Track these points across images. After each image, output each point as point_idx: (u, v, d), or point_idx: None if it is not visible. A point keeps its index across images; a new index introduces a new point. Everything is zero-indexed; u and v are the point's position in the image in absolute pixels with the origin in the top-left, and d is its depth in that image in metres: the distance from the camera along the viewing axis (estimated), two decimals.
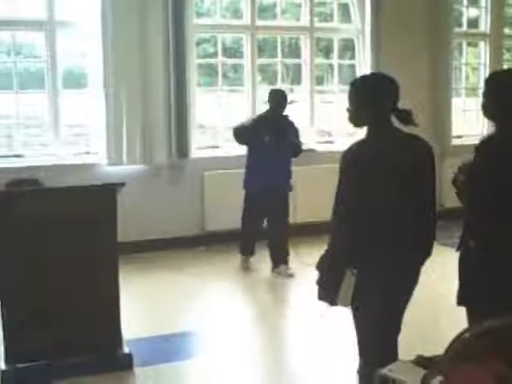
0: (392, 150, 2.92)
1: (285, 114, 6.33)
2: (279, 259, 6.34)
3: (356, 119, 3.02)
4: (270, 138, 6.09)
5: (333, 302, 2.98)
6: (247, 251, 6.49)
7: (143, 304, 5.50)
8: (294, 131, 6.35)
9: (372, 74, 3.08)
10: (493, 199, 3.00)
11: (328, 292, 2.95)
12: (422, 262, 3.06)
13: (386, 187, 2.89)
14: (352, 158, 2.93)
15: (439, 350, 2.14)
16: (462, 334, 2.12)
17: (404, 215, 2.92)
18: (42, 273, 3.85)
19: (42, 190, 4.14)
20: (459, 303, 3.13)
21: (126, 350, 4.17)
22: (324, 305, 3.08)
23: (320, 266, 2.99)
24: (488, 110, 3.09)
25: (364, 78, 3.15)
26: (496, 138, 3.08)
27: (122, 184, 4.06)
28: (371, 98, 2.97)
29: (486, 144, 3.10)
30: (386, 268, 2.90)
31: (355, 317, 3.06)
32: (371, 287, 2.91)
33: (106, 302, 4.06)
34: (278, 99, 6.20)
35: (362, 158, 2.92)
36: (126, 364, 4.09)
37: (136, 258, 6.48)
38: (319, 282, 2.99)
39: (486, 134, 3.21)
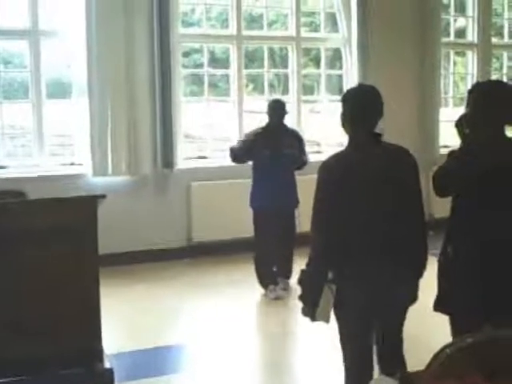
0: (369, 161, 2.89)
1: (289, 126, 6.20)
2: (280, 273, 6.02)
3: (343, 125, 3.04)
4: (270, 152, 5.80)
5: (313, 317, 2.92)
6: (269, 280, 5.95)
7: (126, 317, 5.40)
8: (297, 142, 6.06)
9: (361, 86, 3.07)
10: (466, 205, 3.00)
11: (309, 307, 2.90)
12: (412, 278, 3.00)
13: (359, 199, 2.86)
14: (328, 170, 2.91)
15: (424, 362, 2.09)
16: (442, 349, 2.08)
17: (380, 227, 2.87)
18: (18, 285, 3.77)
19: (20, 202, 4.06)
20: (435, 309, 3.10)
21: (107, 364, 4.07)
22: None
23: (300, 281, 2.93)
24: (466, 119, 3.07)
25: (353, 89, 3.18)
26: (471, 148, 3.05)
27: (103, 196, 3.98)
28: (354, 109, 2.98)
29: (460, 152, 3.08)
30: (359, 280, 2.85)
31: (340, 328, 3.02)
32: (346, 300, 2.86)
33: (86, 315, 3.97)
34: (278, 110, 5.94)
35: (337, 170, 2.91)
36: (106, 379, 3.98)
37: (121, 270, 6.40)
38: (300, 298, 2.94)
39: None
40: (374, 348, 3.09)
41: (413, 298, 3.01)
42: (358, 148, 2.95)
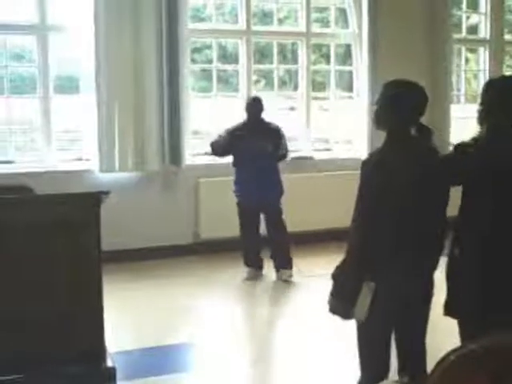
0: (404, 161, 2.84)
1: (265, 120, 6.28)
2: (280, 263, 6.25)
3: (378, 122, 3.00)
4: (250, 146, 6.07)
5: (347, 315, 2.86)
6: (251, 263, 6.34)
7: (132, 315, 5.35)
8: (274, 137, 6.25)
9: (405, 81, 2.99)
10: (475, 205, 2.93)
11: (343, 304, 2.83)
12: (431, 275, 2.95)
13: (395, 197, 2.79)
14: (366, 169, 2.86)
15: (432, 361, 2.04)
16: (447, 355, 2.02)
17: (412, 225, 2.82)
18: (20, 281, 3.73)
19: (23, 198, 4.02)
20: (445, 313, 3.04)
21: (109, 362, 4.03)
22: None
23: (336, 277, 2.87)
24: (481, 116, 3.01)
25: (397, 82, 3.07)
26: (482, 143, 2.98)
27: (107, 192, 3.93)
28: (400, 105, 2.91)
29: (470, 147, 3.01)
30: (387, 278, 2.80)
31: (359, 329, 2.95)
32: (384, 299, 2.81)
33: (89, 313, 3.93)
34: (252, 107, 6.19)
35: (373, 169, 2.88)
36: (108, 377, 3.95)
37: (128, 266, 6.37)
38: (334, 293, 2.87)
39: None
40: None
41: (432, 294, 2.96)
42: (395, 145, 2.88)
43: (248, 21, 7.36)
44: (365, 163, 2.89)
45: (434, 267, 2.93)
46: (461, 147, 3.04)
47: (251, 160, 6.07)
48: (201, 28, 7.45)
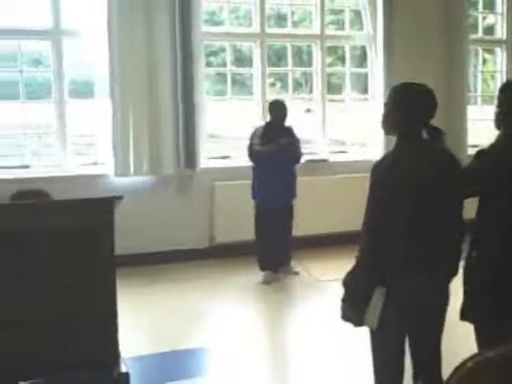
0: (416, 162, 2.80)
1: (287, 125, 6.32)
2: (284, 261, 6.39)
3: (387, 126, 2.94)
4: (276, 148, 6.11)
5: (359, 321, 2.81)
6: (267, 267, 6.36)
7: (147, 319, 5.35)
8: (292, 139, 6.31)
9: (413, 84, 2.95)
10: (497, 210, 2.89)
11: (355, 311, 2.79)
12: (447, 280, 2.90)
13: (408, 200, 2.75)
14: (378, 171, 2.84)
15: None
16: (463, 363, 1.98)
17: (425, 229, 2.78)
18: (33, 286, 3.72)
19: (35, 204, 4.02)
20: (462, 318, 2.99)
21: (123, 368, 4.01)
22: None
23: (347, 283, 2.83)
24: (499, 119, 2.97)
25: (405, 85, 3.03)
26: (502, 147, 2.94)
27: (120, 197, 3.90)
28: (407, 106, 2.86)
29: (491, 153, 2.97)
30: (400, 285, 2.75)
31: (372, 335, 2.90)
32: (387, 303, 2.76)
33: (102, 317, 3.91)
34: (278, 110, 6.24)
35: (386, 170, 2.83)
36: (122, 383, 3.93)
37: (143, 270, 6.38)
38: (345, 300, 2.83)
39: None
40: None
41: (447, 301, 2.91)
42: (406, 147, 2.86)
43: (262, 23, 7.34)
44: (376, 166, 2.84)
45: (450, 272, 2.87)
46: (481, 154, 2.99)
47: (272, 162, 6.10)
48: (215, 31, 7.44)
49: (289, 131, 6.34)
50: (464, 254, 2.95)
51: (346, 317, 2.84)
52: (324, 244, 7.10)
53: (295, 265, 6.51)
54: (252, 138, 6.29)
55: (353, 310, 2.79)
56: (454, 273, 2.88)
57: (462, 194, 2.90)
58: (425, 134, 2.89)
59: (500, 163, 2.91)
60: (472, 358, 2.04)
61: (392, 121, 2.89)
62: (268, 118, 6.48)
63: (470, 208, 3.01)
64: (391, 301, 2.74)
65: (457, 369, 1.99)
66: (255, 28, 7.38)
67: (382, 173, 2.82)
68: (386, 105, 2.92)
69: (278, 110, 6.26)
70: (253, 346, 4.83)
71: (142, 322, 5.22)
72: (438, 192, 2.78)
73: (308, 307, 5.75)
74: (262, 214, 6.28)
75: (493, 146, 3.03)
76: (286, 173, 6.26)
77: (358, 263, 2.79)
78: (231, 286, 6.22)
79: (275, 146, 6.10)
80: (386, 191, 2.78)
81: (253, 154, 6.21)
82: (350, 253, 7.14)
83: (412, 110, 2.85)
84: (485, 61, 8.91)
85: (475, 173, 2.97)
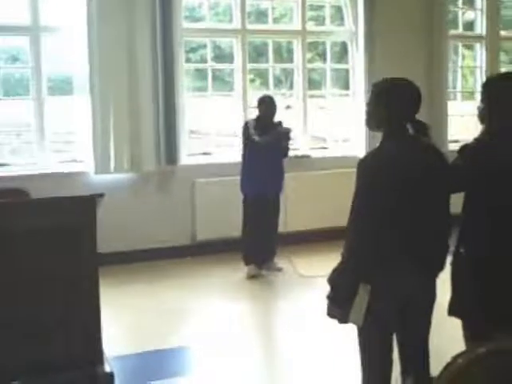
0: (402, 158, 2.79)
1: (277, 121, 6.30)
2: (268, 257, 6.39)
3: (372, 123, 2.92)
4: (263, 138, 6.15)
5: (344, 319, 2.79)
6: (251, 260, 6.36)
7: (128, 318, 5.29)
8: (283, 134, 6.32)
9: (395, 78, 2.93)
10: (482, 205, 2.89)
11: (340, 308, 2.77)
12: (433, 276, 2.90)
13: (394, 195, 2.74)
14: (364, 167, 2.81)
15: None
16: (454, 359, 1.97)
17: (412, 224, 2.77)
18: (15, 286, 3.66)
19: (16, 203, 3.96)
20: (450, 313, 2.99)
21: (107, 368, 3.96)
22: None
23: (332, 280, 2.81)
24: (482, 114, 2.97)
25: (387, 81, 2.99)
26: (491, 141, 2.94)
27: (101, 195, 3.87)
28: (390, 101, 2.84)
29: (475, 148, 2.97)
30: (386, 281, 2.74)
31: (359, 332, 2.89)
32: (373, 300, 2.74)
33: (86, 316, 3.86)
34: (267, 106, 6.23)
35: (372, 166, 2.81)
36: (106, 383, 3.89)
37: (124, 268, 6.32)
38: (330, 297, 2.81)
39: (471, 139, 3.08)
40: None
41: (434, 296, 2.90)
42: (392, 143, 2.85)
43: (243, 19, 7.30)
44: (362, 162, 2.82)
45: (437, 267, 2.87)
46: (465, 150, 2.98)
47: (262, 156, 6.11)
48: (195, 27, 7.38)
49: (279, 126, 6.31)
50: (451, 249, 2.94)
51: (331, 314, 2.82)
52: (307, 240, 7.09)
53: (278, 261, 6.49)
54: (246, 129, 6.26)
55: (338, 307, 2.78)
56: (441, 268, 2.88)
57: (449, 189, 2.90)
58: (410, 129, 2.87)
59: (483, 159, 2.91)
60: (462, 354, 2.03)
61: (377, 117, 2.87)
62: (256, 114, 6.40)
63: (458, 203, 3.00)
64: (377, 297, 2.73)
65: (447, 365, 1.98)
66: (236, 24, 7.33)
67: (369, 169, 2.81)
68: (369, 102, 2.90)
69: (267, 105, 6.24)
70: (237, 343, 4.80)
71: (124, 321, 5.17)
72: (425, 187, 2.77)
73: (292, 303, 5.73)
74: (250, 207, 6.27)
75: (476, 141, 3.03)
76: (276, 165, 6.29)
77: (344, 260, 2.77)
78: (213, 283, 6.18)
79: (273, 136, 6.14)
80: (373, 187, 2.77)
81: (250, 144, 6.19)
82: (333, 248, 7.13)
83: (396, 106, 2.83)
84: (464, 56, 8.95)
85: (459, 168, 2.96)
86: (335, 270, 2.79)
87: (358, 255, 2.73)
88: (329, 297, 2.80)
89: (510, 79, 3.13)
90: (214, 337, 4.88)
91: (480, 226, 2.92)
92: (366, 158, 2.86)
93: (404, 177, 2.75)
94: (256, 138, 6.15)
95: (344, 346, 4.55)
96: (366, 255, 2.71)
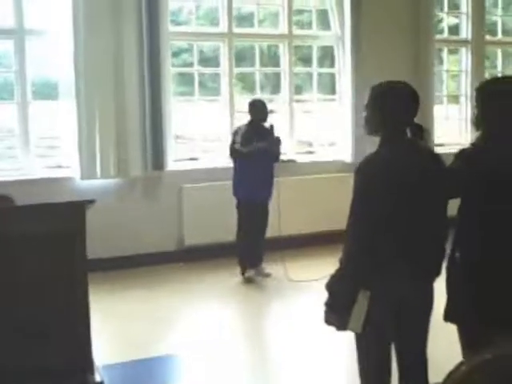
0: (401, 161, 2.77)
1: (267, 124, 6.29)
2: (256, 262, 6.36)
3: (370, 127, 2.88)
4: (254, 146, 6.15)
5: (342, 326, 2.75)
6: (247, 264, 6.34)
7: (117, 326, 5.22)
8: (273, 139, 6.31)
9: (393, 81, 2.90)
10: (475, 209, 2.87)
11: (338, 315, 2.73)
12: (430, 281, 2.88)
13: (390, 200, 2.71)
14: (363, 171, 2.79)
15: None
16: (458, 367, 1.95)
17: (410, 228, 2.75)
18: (2, 293, 3.59)
19: (4, 209, 3.89)
20: (445, 319, 2.97)
21: (97, 377, 3.90)
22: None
23: (330, 286, 2.77)
24: (478, 119, 2.95)
25: (385, 85, 2.94)
26: (485, 147, 2.93)
27: (92, 201, 3.81)
28: (386, 105, 2.82)
29: (470, 153, 2.95)
30: (383, 287, 2.71)
31: (357, 339, 2.86)
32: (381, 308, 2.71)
33: (76, 324, 3.80)
34: (259, 110, 6.21)
35: (367, 171, 2.79)
36: None
37: (111, 275, 6.24)
38: (329, 304, 2.77)
39: (467, 144, 3.07)
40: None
41: (432, 302, 2.88)
42: (390, 147, 2.82)
43: (230, 23, 7.27)
44: (361, 166, 2.79)
45: (434, 272, 2.84)
46: (461, 154, 2.97)
47: (253, 161, 6.10)
48: (182, 31, 7.33)
49: (270, 131, 6.29)
50: (447, 253, 2.92)
51: (329, 321, 2.79)
52: (294, 244, 7.05)
53: (267, 266, 6.45)
54: (234, 135, 6.26)
55: (336, 314, 2.74)
56: (438, 272, 2.86)
57: (446, 193, 2.88)
58: (408, 133, 2.85)
59: (476, 163, 2.89)
60: (466, 361, 2.01)
61: (373, 121, 2.84)
62: (247, 119, 6.36)
63: (454, 206, 2.98)
64: (375, 303, 2.70)
65: (451, 373, 1.96)
66: (223, 28, 7.30)
67: (364, 174, 2.78)
68: (367, 106, 2.87)
69: (259, 109, 6.22)
70: (226, 350, 4.75)
71: (112, 329, 5.08)
72: (421, 191, 2.75)
73: (282, 309, 5.71)
74: (243, 212, 6.25)
75: (472, 145, 3.02)
76: (267, 169, 6.27)
77: (342, 266, 2.74)
78: (202, 288, 6.13)
79: (258, 147, 6.12)
80: (369, 192, 2.74)
81: (234, 153, 6.21)
82: (321, 252, 7.20)
83: (392, 109, 2.81)
84: (449, 61, 8.98)
85: (454, 172, 2.94)
86: (334, 276, 2.75)
87: (355, 260, 2.70)
88: (327, 304, 2.76)
89: (503, 83, 3.13)
90: (203, 344, 4.82)
91: (473, 230, 2.91)
92: (362, 162, 2.83)
93: (399, 181, 2.73)
94: (238, 146, 6.14)
95: (335, 351, 4.55)
96: (364, 260, 2.68)
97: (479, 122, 2.97)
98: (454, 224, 2.94)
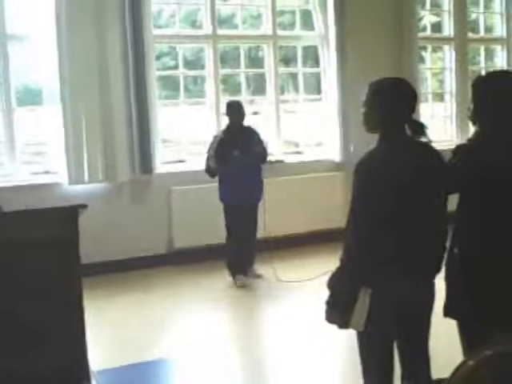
0: (400, 158, 2.77)
1: (246, 124, 6.28)
2: (247, 263, 6.36)
3: (368, 124, 2.87)
4: (240, 152, 6.08)
5: (344, 324, 2.74)
6: (237, 269, 6.28)
7: (111, 330, 5.18)
8: (258, 139, 6.31)
9: (391, 78, 2.90)
10: (473, 204, 2.88)
11: (340, 314, 2.73)
12: (431, 278, 2.87)
13: (388, 197, 2.71)
14: (362, 169, 2.78)
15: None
16: (465, 361, 1.95)
17: (410, 225, 2.75)
18: None
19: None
20: (445, 314, 2.97)
21: (93, 382, 3.88)
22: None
23: (331, 285, 2.76)
24: (473, 113, 2.96)
25: (384, 80, 2.94)
26: (479, 142, 2.94)
27: (84, 205, 3.79)
28: (383, 101, 2.82)
29: (466, 149, 2.96)
30: (384, 284, 2.71)
31: (359, 337, 2.85)
32: (373, 304, 2.71)
33: (71, 330, 3.77)
34: (236, 112, 6.18)
35: (365, 169, 2.78)
36: None
37: (101, 280, 6.19)
38: (330, 302, 2.77)
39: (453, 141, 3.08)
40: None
41: (433, 299, 2.88)
42: (389, 144, 2.82)
43: (214, 25, 7.25)
44: (360, 164, 2.78)
45: (434, 269, 2.84)
46: (458, 150, 2.97)
47: (239, 164, 6.05)
48: (166, 34, 7.30)
49: (250, 131, 6.30)
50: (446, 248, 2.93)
51: (330, 319, 2.78)
52: (282, 245, 7.04)
53: (258, 267, 6.44)
54: (209, 149, 6.20)
55: (338, 313, 2.73)
56: (437, 270, 2.86)
57: (446, 189, 2.88)
58: (407, 129, 2.85)
59: (473, 159, 2.90)
60: (473, 356, 2.01)
61: (371, 118, 2.84)
62: (226, 121, 6.35)
63: (454, 201, 2.99)
64: (376, 301, 2.69)
65: (458, 368, 1.96)
66: (207, 30, 7.28)
67: (362, 172, 2.78)
68: (365, 103, 2.87)
69: (235, 110, 6.18)
70: (218, 353, 4.72)
71: (104, 333, 5.04)
72: (420, 188, 2.75)
73: (273, 310, 5.69)
74: (231, 216, 6.21)
75: (468, 141, 3.02)
76: (254, 171, 6.23)
77: (344, 264, 2.73)
78: (193, 291, 6.11)
79: (237, 154, 6.06)
80: (366, 190, 2.74)
81: (207, 171, 6.20)
82: (309, 252, 7.18)
83: (389, 106, 2.81)
84: (433, 58, 9.02)
85: (453, 169, 2.95)
86: (334, 275, 2.75)
87: (355, 258, 2.70)
88: (328, 302, 2.75)
89: (497, 78, 3.13)
90: (195, 347, 4.80)
91: (471, 226, 2.91)
92: (363, 160, 2.82)
93: (397, 178, 2.73)
94: (212, 164, 6.12)
95: (326, 351, 4.54)
96: (364, 258, 2.68)
97: (474, 117, 2.97)
98: (454, 220, 2.95)
